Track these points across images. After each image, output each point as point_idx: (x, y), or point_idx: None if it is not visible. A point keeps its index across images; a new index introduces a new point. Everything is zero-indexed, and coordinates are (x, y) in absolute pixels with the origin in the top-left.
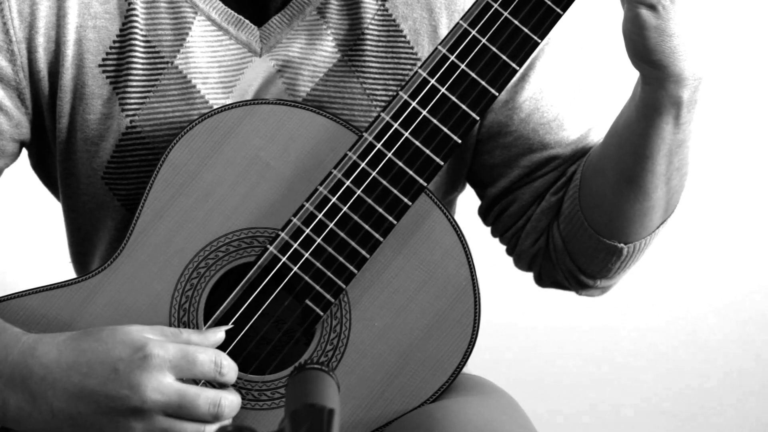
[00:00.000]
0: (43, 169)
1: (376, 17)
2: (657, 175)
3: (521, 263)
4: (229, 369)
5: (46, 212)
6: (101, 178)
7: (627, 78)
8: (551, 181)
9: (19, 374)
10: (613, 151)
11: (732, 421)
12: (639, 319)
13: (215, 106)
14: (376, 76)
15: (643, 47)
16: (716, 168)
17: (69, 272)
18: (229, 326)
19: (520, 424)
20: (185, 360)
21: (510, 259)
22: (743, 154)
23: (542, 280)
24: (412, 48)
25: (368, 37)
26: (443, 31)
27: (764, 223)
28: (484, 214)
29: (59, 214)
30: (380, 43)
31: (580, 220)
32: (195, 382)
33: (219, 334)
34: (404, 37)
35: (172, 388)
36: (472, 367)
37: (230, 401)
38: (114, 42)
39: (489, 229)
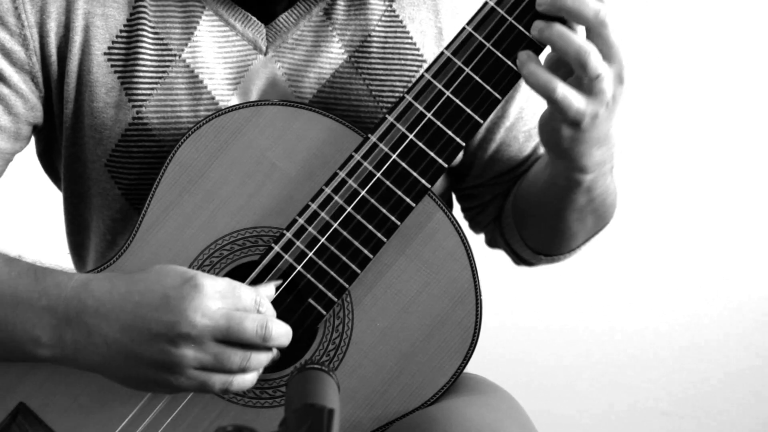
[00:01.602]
0: (48, 156)
1: (383, 18)
2: (570, 221)
3: (474, 230)
4: (267, 309)
5: (47, 208)
6: (104, 165)
7: None
8: (511, 186)
9: (73, 309)
10: (530, 198)
11: (732, 421)
12: (639, 320)
13: (220, 102)
14: (383, 77)
15: (556, 146)
16: (716, 171)
17: (69, 265)
18: (280, 281)
19: (521, 424)
20: (232, 293)
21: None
22: (743, 158)
23: (491, 245)
24: (418, 50)
25: (375, 38)
26: (447, 33)
27: (764, 225)
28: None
29: (58, 211)
30: (387, 45)
31: (514, 231)
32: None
33: (268, 288)
34: (411, 38)
35: (219, 313)
36: (472, 367)
37: (278, 325)
38: (121, 31)
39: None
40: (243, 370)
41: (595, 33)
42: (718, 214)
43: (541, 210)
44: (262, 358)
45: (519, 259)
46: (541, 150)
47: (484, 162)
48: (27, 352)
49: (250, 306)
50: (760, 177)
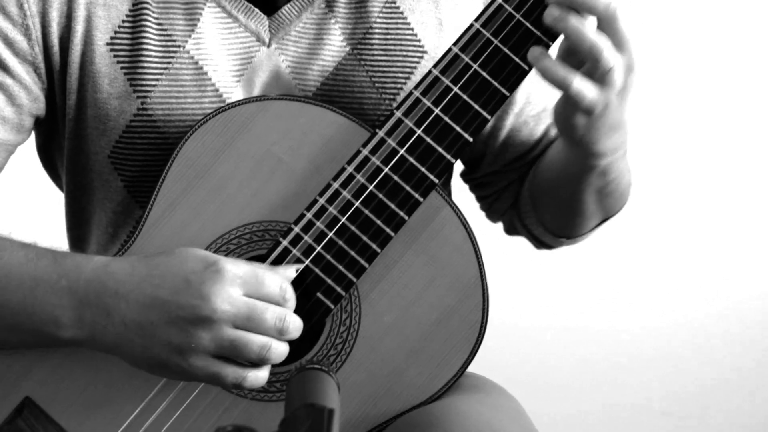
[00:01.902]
0: (48, 148)
1: (384, 9)
2: (587, 203)
3: (492, 219)
4: (291, 298)
5: (45, 205)
6: (107, 156)
7: None
8: (526, 171)
9: (93, 290)
10: (546, 182)
11: (732, 421)
12: (639, 320)
13: (224, 94)
14: (385, 68)
15: (570, 134)
16: (716, 171)
17: None
18: (302, 265)
19: (521, 424)
20: (255, 279)
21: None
22: (743, 158)
23: (510, 232)
24: (419, 41)
25: (376, 29)
26: (448, 25)
27: (764, 225)
28: (463, 177)
29: (55, 208)
30: (389, 36)
31: (532, 215)
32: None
33: (289, 271)
34: (412, 29)
35: (241, 300)
36: (472, 366)
37: (295, 319)
38: (123, 21)
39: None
40: (261, 360)
41: (606, 24)
42: (718, 214)
43: (558, 194)
44: (282, 349)
45: (539, 243)
46: (553, 132)
47: (497, 149)
48: (47, 334)
49: (275, 292)
50: (760, 177)
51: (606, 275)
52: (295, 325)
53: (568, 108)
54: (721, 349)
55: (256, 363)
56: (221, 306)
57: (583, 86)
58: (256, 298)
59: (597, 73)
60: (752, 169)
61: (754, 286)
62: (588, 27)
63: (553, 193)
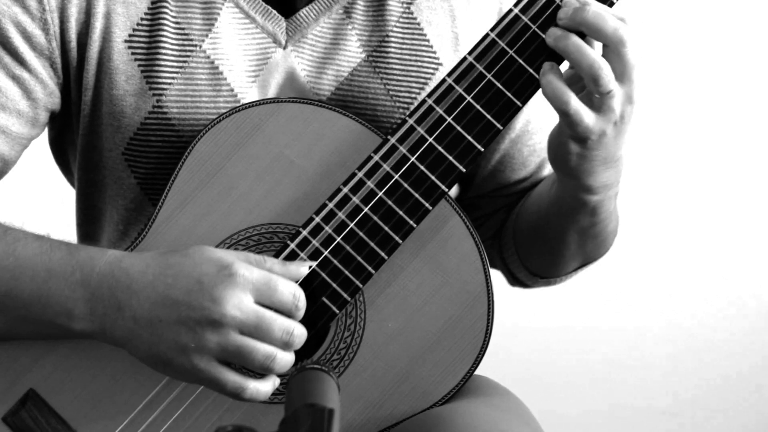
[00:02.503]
0: (60, 143)
1: (401, 20)
2: (570, 242)
3: None
4: (303, 306)
5: (51, 202)
6: (121, 153)
7: None
8: (513, 201)
9: (106, 284)
10: (533, 216)
11: (732, 421)
12: (640, 320)
13: (239, 94)
14: (400, 77)
15: (563, 163)
16: (716, 171)
17: None
18: (314, 263)
19: (528, 424)
20: (267, 286)
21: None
22: (743, 158)
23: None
24: (435, 53)
25: (393, 39)
26: (463, 39)
27: (764, 225)
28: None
29: (67, 204)
30: (404, 46)
31: (512, 249)
32: None
33: (302, 268)
34: (428, 41)
35: (251, 308)
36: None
37: (302, 332)
38: (142, 19)
39: None
40: (265, 369)
41: (612, 50)
42: (718, 214)
43: (543, 230)
44: (288, 360)
45: (514, 280)
46: (544, 172)
47: (487, 172)
48: (59, 325)
49: (288, 300)
50: (760, 177)
51: (606, 275)
52: (301, 339)
53: (564, 134)
54: (721, 349)
55: (260, 372)
56: (231, 311)
57: (580, 108)
58: (268, 304)
59: (595, 96)
60: (752, 169)
61: (753, 286)
62: (590, 49)
63: (538, 228)
